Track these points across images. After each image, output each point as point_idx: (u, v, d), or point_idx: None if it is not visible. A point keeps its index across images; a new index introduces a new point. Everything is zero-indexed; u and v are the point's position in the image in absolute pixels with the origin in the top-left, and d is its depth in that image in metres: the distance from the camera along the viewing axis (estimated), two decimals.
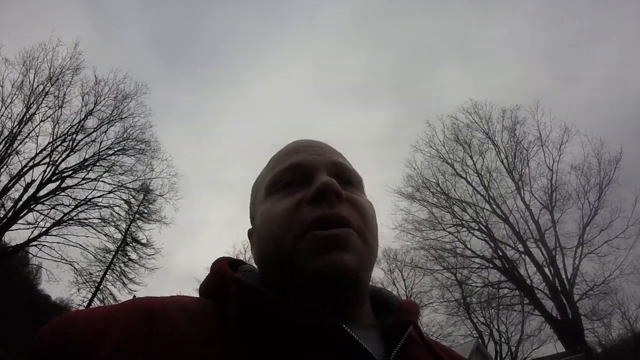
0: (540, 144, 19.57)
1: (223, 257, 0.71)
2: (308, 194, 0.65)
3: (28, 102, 18.78)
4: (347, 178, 0.72)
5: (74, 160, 19.49)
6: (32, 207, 18.09)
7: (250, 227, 0.80)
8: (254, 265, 0.75)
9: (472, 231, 20.02)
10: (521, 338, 22.13)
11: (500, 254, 18.96)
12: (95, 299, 18.33)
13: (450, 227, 20.49)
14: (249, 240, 0.80)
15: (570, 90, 35.96)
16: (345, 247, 0.60)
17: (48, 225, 18.19)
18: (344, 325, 0.55)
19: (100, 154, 19.99)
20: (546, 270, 17.71)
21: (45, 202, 18.56)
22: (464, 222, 20.22)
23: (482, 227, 19.70)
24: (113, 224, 19.94)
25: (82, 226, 18.98)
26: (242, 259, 0.76)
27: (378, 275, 28.26)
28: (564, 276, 17.24)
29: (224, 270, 0.64)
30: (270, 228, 0.65)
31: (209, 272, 0.67)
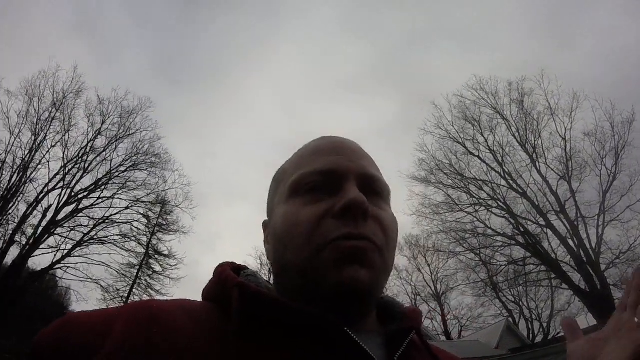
0: (550, 114, 18.94)
1: (226, 261, 0.71)
2: (335, 207, 0.62)
3: (35, 129, 19.19)
4: (376, 189, 0.70)
5: (87, 181, 19.93)
6: (52, 231, 18.46)
7: (267, 219, 0.79)
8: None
9: (490, 209, 19.58)
10: (552, 313, 21.97)
11: (522, 229, 18.51)
12: None
13: (468, 207, 20.07)
14: (263, 231, 0.80)
15: (572, 57, 34.99)
16: (364, 263, 0.59)
17: (70, 247, 18.64)
18: (346, 329, 0.55)
19: (113, 172, 20.38)
20: (570, 242, 17.23)
21: (64, 225, 18.98)
22: (481, 200, 19.79)
23: (501, 204, 19.25)
24: (134, 238, 20.42)
25: (104, 244, 19.44)
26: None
27: (402, 262, 28.27)
28: (588, 246, 16.77)
29: (226, 275, 0.63)
30: (291, 234, 0.64)
31: (212, 276, 0.67)
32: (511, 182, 19.18)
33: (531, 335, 22.88)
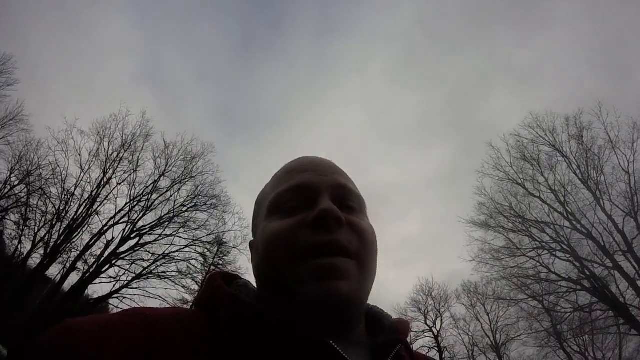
0: (611, 147, 18.59)
1: (218, 271, 0.73)
2: (309, 217, 0.65)
3: (104, 167, 20.07)
4: (349, 201, 0.72)
5: (150, 218, 20.51)
6: (113, 262, 18.61)
7: (252, 239, 0.82)
8: (248, 279, 0.76)
9: (554, 253, 18.96)
10: None
11: (588, 273, 17.87)
12: None
13: (530, 251, 19.45)
14: (250, 251, 0.82)
15: (629, 87, 34.88)
16: (341, 276, 0.61)
17: (129, 278, 18.68)
18: (331, 342, 0.56)
19: (175, 211, 20.89)
20: (639, 283, 16.65)
21: (125, 258, 19.13)
22: (544, 244, 19.21)
23: (565, 247, 18.67)
24: (190, 276, 20.28)
25: (161, 279, 19.40)
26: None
27: (459, 311, 27.02)
28: None
29: (217, 284, 0.65)
30: (268, 248, 0.67)
31: (204, 285, 0.69)
32: (575, 222, 18.68)
33: None
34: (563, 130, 19.73)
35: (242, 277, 0.75)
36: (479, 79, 54.22)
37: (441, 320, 26.98)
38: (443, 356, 24.45)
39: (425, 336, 26.47)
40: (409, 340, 0.71)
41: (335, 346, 0.56)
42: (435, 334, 26.01)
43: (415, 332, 26.15)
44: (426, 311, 27.14)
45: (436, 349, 25.12)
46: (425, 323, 26.71)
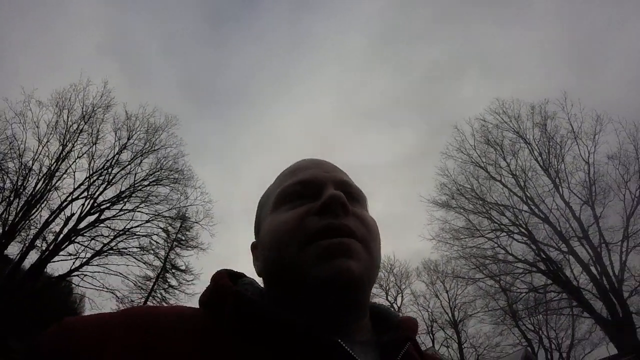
0: (573, 137, 18.65)
1: (224, 269, 0.72)
2: (316, 205, 0.66)
3: (64, 140, 19.48)
4: (353, 195, 0.74)
5: (111, 193, 20.12)
6: (72, 239, 18.48)
7: (254, 240, 0.82)
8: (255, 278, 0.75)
9: (512, 235, 19.36)
10: (572, 343, 21.31)
11: (544, 256, 18.23)
12: None
13: (489, 232, 19.84)
14: (252, 254, 0.82)
15: (596, 83, 35.30)
16: (350, 255, 0.61)
17: (89, 255, 18.63)
18: (339, 341, 0.55)
19: (136, 185, 20.59)
20: (592, 269, 16.91)
21: (85, 234, 18.98)
22: (502, 226, 19.59)
23: (522, 230, 19.04)
24: (152, 252, 20.32)
25: (122, 255, 19.36)
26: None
27: (419, 288, 27.80)
28: (611, 273, 16.43)
29: (223, 282, 0.65)
30: (276, 235, 0.67)
31: (209, 283, 0.68)
32: (533, 207, 18.99)
33: None
34: (528, 117, 20.04)
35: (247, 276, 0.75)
36: (451, 64, 53.32)
37: (402, 296, 27.93)
38: None
39: None
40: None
41: (344, 345, 0.55)
42: (396, 310, 26.56)
43: None
44: (387, 287, 27.84)
45: None
46: (387, 299, 27.44)
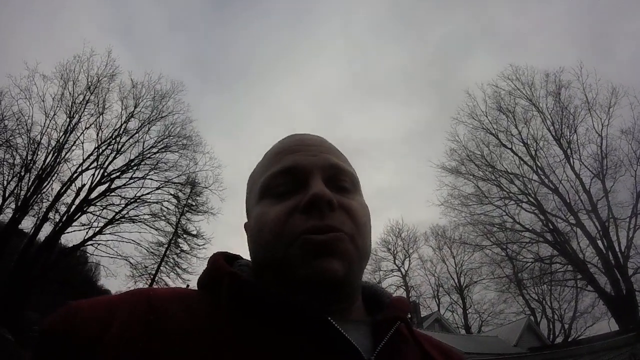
0: (587, 108, 18.21)
1: (220, 251, 0.73)
2: (301, 202, 0.65)
3: (70, 112, 19.52)
4: (342, 181, 0.71)
5: (120, 162, 20.36)
6: (85, 209, 18.93)
7: (247, 221, 0.81)
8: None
9: (520, 204, 19.25)
10: (574, 315, 21.59)
11: (551, 227, 18.20)
12: None
13: (497, 200, 19.78)
14: (245, 232, 0.80)
15: (607, 66, 34.65)
16: (334, 253, 0.61)
17: (101, 224, 19.14)
18: (329, 318, 0.57)
19: (145, 153, 20.78)
20: (599, 243, 16.84)
21: (97, 204, 19.41)
22: (511, 194, 19.43)
23: (531, 200, 18.86)
24: (163, 218, 20.85)
25: (134, 223, 19.92)
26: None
27: (427, 252, 27.98)
28: (617, 249, 16.34)
29: (219, 264, 0.66)
30: (261, 235, 0.66)
31: (207, 265, 0.69)
32: (543, 177, 18.78)
33: (552, 336, 22.65)
34: (542, 85, 19.52)
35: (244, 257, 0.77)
36: (463, 40, 51.91)
37: (409, 260, 28.28)
38: (410, 295, 25.60)
39: (394, 275, 27.69)
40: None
41: (334, 323, 0.57)
42: (403, 274, 27.05)
43: (384, 271, 27.21)
44: (395, 251, 28.17)
45: (403, 287, 26.28)
46: (394, 263, 27.77)
